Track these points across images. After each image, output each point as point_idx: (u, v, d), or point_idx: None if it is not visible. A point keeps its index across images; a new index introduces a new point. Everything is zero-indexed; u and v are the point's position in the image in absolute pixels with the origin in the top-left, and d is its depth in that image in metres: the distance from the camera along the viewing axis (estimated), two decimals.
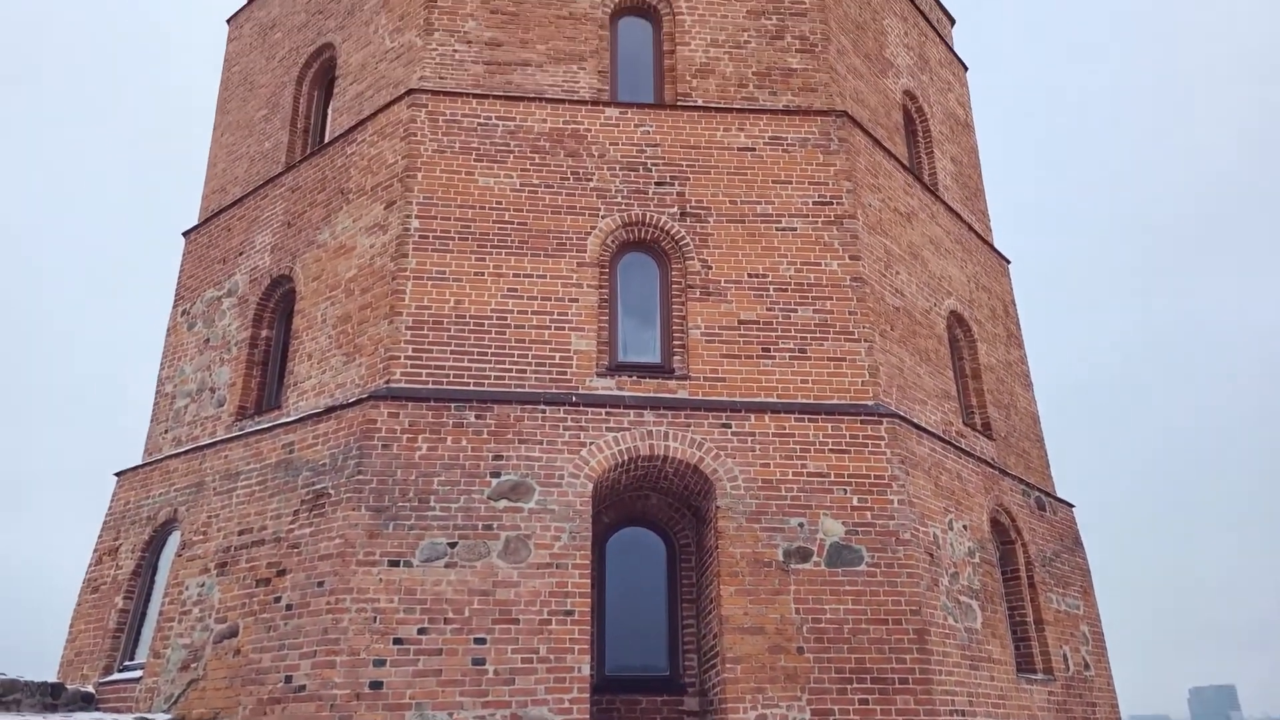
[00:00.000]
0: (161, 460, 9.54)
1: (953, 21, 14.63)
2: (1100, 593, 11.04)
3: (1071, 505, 11.38)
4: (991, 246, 12.55)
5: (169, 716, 7.52)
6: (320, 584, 7.14)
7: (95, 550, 9.55)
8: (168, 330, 10.88)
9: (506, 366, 8.18)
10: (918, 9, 13.11)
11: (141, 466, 9.79)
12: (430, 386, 7.97)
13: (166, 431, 10.05)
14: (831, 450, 8.13)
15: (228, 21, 13.04)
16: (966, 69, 14.33)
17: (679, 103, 9.59)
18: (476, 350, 8.21)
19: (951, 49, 14.03)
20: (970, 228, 12.00)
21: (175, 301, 11.04)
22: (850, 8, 11.03)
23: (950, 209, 11.61)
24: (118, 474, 9.98)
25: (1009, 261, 12.88)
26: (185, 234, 11.46)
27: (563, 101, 9.36)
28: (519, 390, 8.06)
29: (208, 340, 10.24)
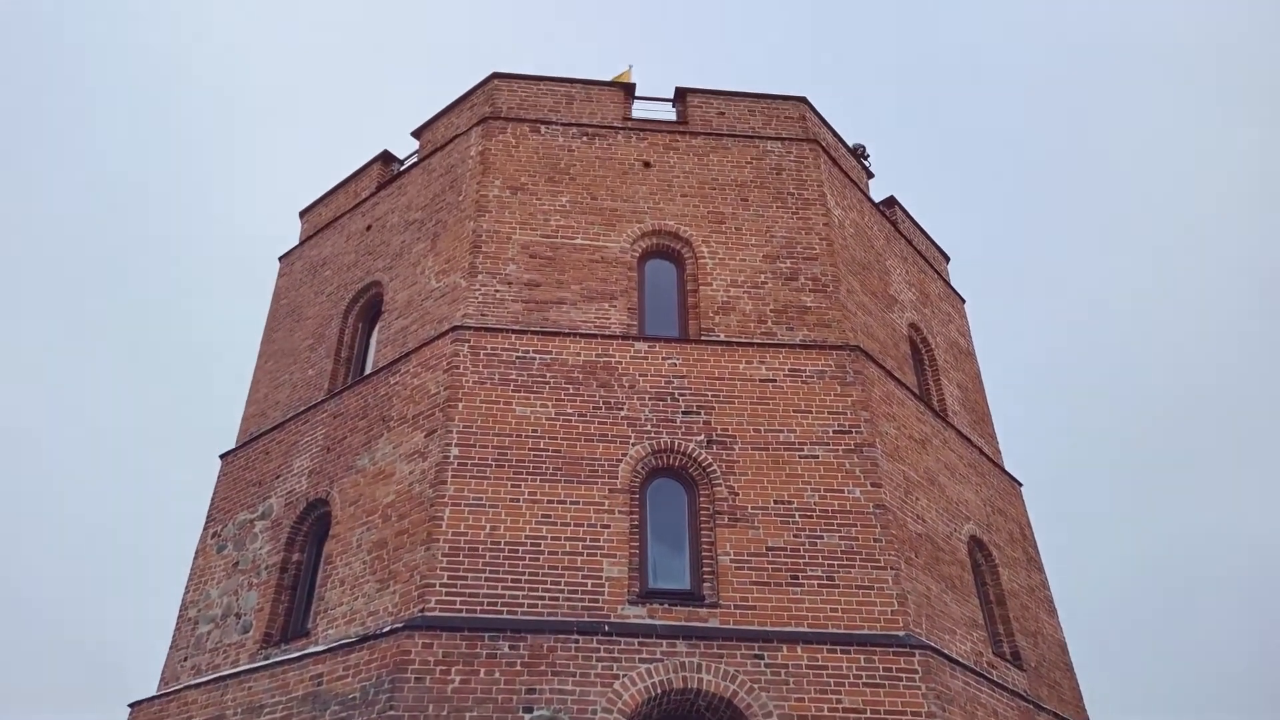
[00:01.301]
0: (179, 691, 9.34)
1: (947, 259, 15.80)
2: None
3: None
4: (1003, 470, 12.88)
5: None
6: None
7: None
8: (196, 553, 10.96)
9: (540, 594, 8.24)
10: (915, 250, 14.24)
11: (158, 697, 9.56)
12: (465, 615, 8.00)
13: (186, 659, 9.89)
14: (865, 684, 8.02)
15: (280, 259, 14.13)
16: (964, 301, 15.32)
17: (703, 337, 10.27)
18: (510, 578, 8.31)
19: (949, 283, 15.08)
20: (981, 451, 12.38)
21: (206, 524, 11.20)
22: (856, 251, 12.03)
23: (961, 434, 12.05)
24: (132, 705, 9.73)
25: (1021, 484, 13.16)
26: (222, 456, 11.82)
27: (595, 336, 10.03)
28: (552, 619, 8.08)
29: (237, 564, 10.32)
